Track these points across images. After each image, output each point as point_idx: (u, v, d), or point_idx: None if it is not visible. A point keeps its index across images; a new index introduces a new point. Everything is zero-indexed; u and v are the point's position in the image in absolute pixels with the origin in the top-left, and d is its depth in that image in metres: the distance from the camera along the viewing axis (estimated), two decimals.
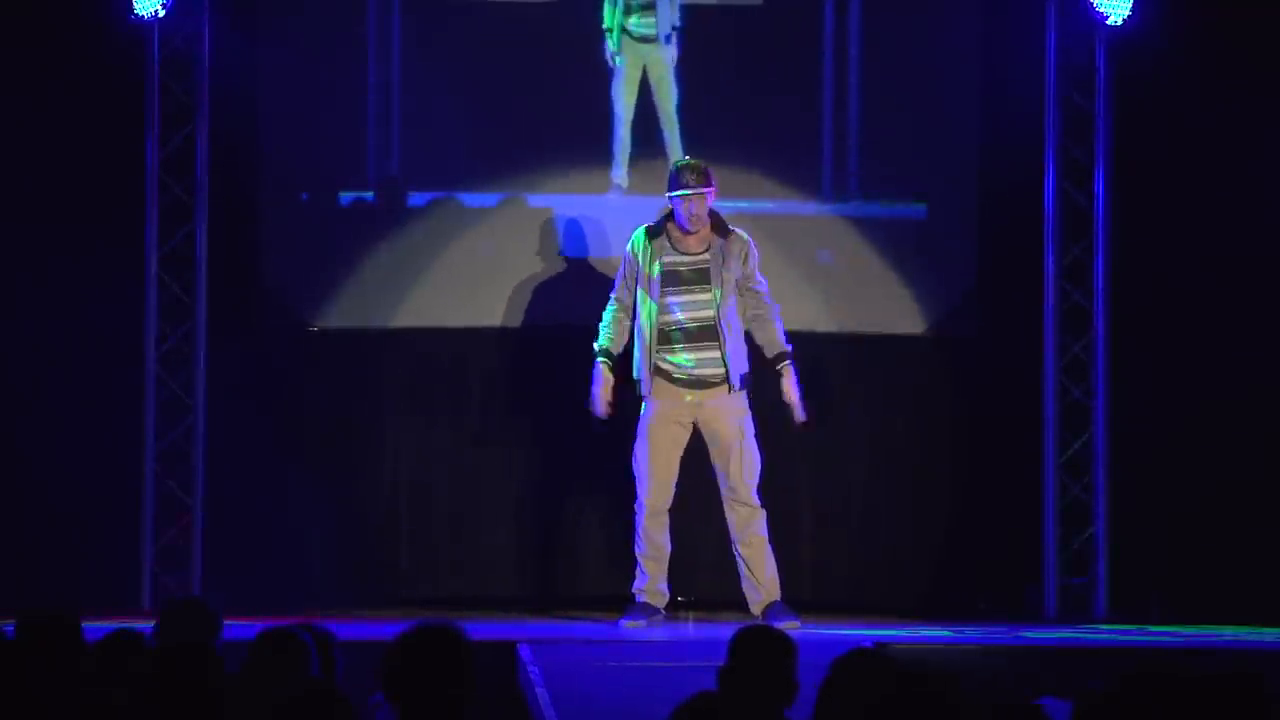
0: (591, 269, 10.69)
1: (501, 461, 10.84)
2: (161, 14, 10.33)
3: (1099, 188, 10.68)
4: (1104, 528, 10.63)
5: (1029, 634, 9.65)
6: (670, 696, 4.51)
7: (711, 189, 9.50)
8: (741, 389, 9.48)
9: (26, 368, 10.50)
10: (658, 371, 9.49)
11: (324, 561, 10.70)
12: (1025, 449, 10.69)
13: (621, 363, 9.62)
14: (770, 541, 9.50)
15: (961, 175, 10.84)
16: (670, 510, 9.54)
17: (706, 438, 9.53)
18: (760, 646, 4.84)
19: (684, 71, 10.73)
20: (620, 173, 10.74)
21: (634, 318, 9.55)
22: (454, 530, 10.85)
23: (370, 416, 10.82)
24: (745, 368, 9.50)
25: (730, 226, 9.57)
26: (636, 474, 9.55)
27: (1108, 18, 10.53)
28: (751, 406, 9.53)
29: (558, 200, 10.77)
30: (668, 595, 9.62)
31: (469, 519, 10.84)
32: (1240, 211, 10.74)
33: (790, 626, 9.16)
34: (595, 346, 9.60)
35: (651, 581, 9.53)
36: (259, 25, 10.70)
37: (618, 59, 10.69)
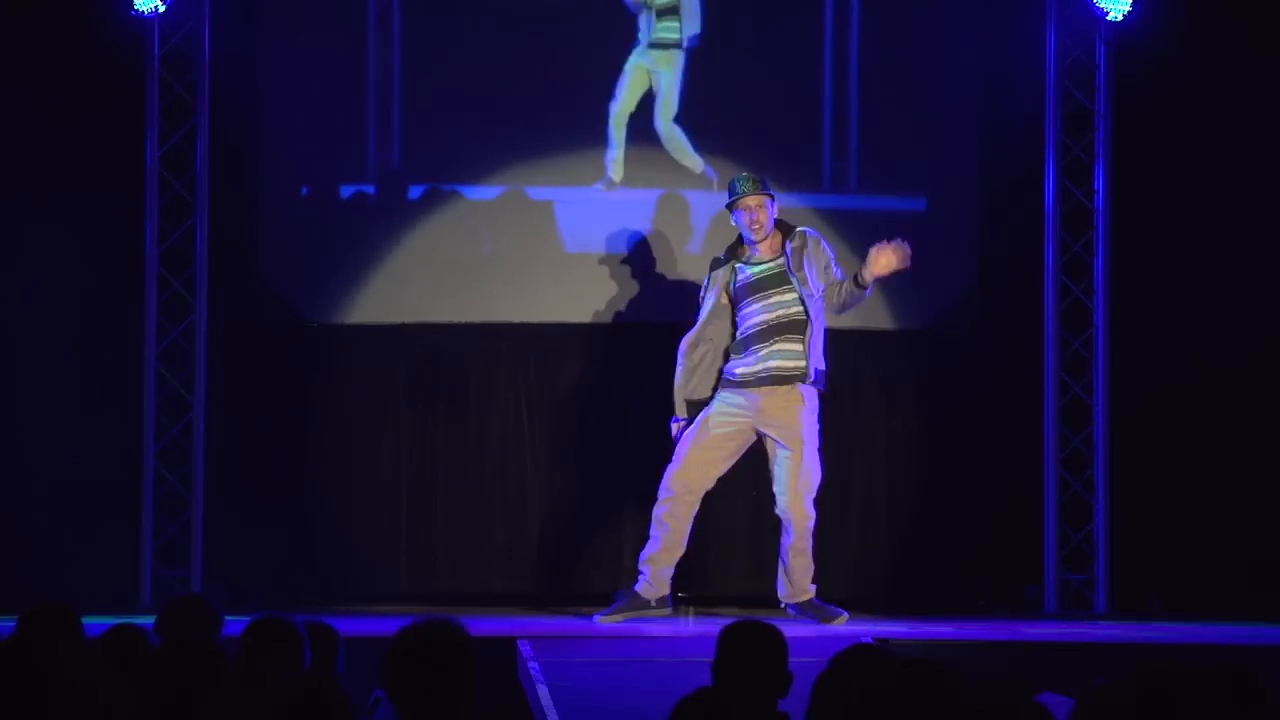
0: (593, 264, 10.69)
1: (502, 457, 10.84)
2: (161, 9, 10.33)
3: (1099, 184, 10.68)
4: (1104, 524, 10.63)
5: (1029, 630, 9.65)
6: (670, 692, 4.51)
7: (772, 198, 9.43)
8: (815, 383, 9.35)
9: (27, 364, 10.50)
10: (726, 382, 9.42)
11: (324, 558, 10.70)
12: (1025, 445, 10.70)
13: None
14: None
15: (962, 170, 10.85)
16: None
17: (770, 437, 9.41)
18: (746, 640, 4.85)
19: (685, 63, 10.72)
20: (613, 156, 10.72)
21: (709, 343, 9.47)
22: (455, 526, 10.85)
23: (370, 412, 10.82)
24: (823, 365, 9.39)
25: (794, 226, 9.51)
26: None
27: (1108, 14, 10.54)
28: (821, 415, 9.43)
29: (558, 193, 10.76)
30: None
31: (469, 515, 10.84)
32: (1240, 208, 10.75)
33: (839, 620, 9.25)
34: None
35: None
36: (259, 20, 10.70)
37: (629, 62, 10.68)
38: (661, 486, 9.42)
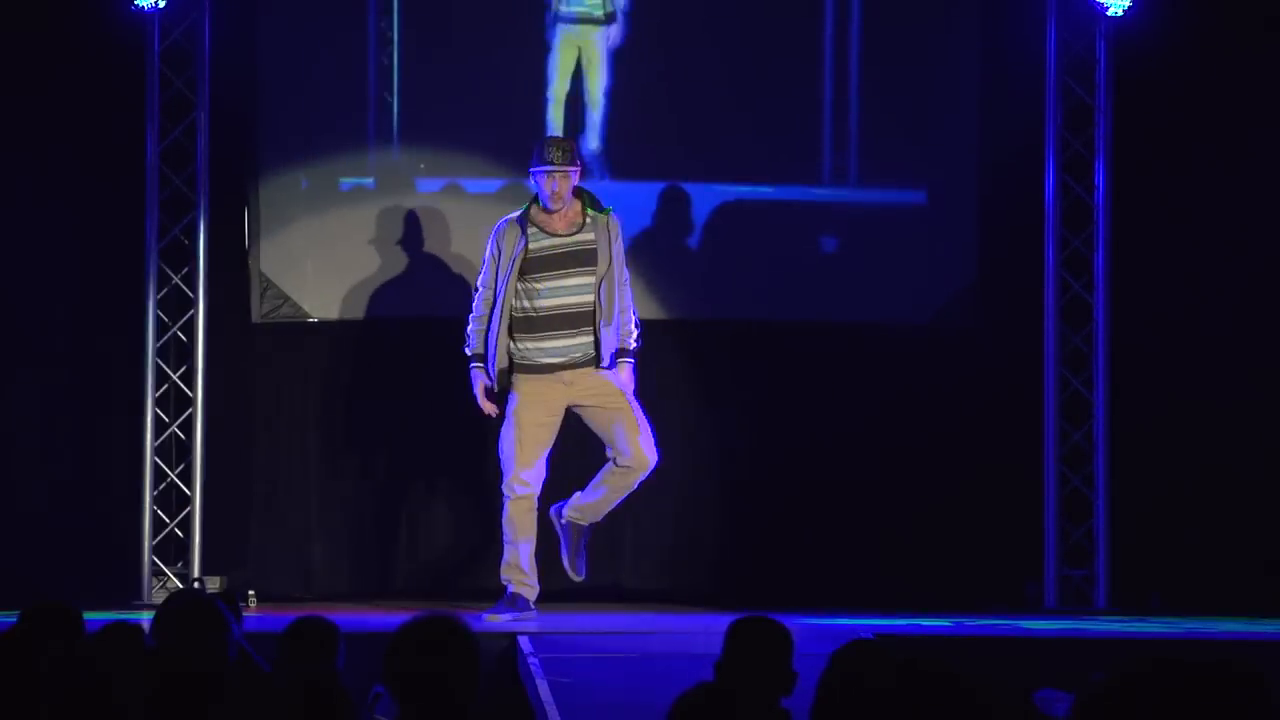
0: None
1: None
2: (161, 5, 10.33)
3: (1099, 179, 10.67)
4: (1104, 519, 10.63)
5: (1029, 625, 9.65)
6: (669, 687, 4.50)
7: (576, 169, 9.28)
8: (611, 367, 9.29)
9: (27, 360, 10.50)
10: (521, 360, 9.30)
11: (324, 553, 10.71)
12: (1025, 440, 10.69)
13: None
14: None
15: (961, 165, 10.84)
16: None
17: (586, 416, 9.38)
18: (755, 637, 4.85)
19: (683, 57, 10.70)
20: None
21: (494, 308, 9.32)
22: (454, 523, 10.85)
23: (370, 408, 10.81)
24: (616, 346, 9.30)
25: (603, 205, 9.39)
26: (504, 458, 9.44)
27: (1108, 9, 10.53)
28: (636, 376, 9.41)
29: None
30: (538, 587, 9.60)
31: (469, 511, 10.83)
32: (1241, 203, 10.75)
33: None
34: (468, 351, 9.37)
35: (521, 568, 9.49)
36: (259, 15, 10.69)
37: (552, 40, 10.65)
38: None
